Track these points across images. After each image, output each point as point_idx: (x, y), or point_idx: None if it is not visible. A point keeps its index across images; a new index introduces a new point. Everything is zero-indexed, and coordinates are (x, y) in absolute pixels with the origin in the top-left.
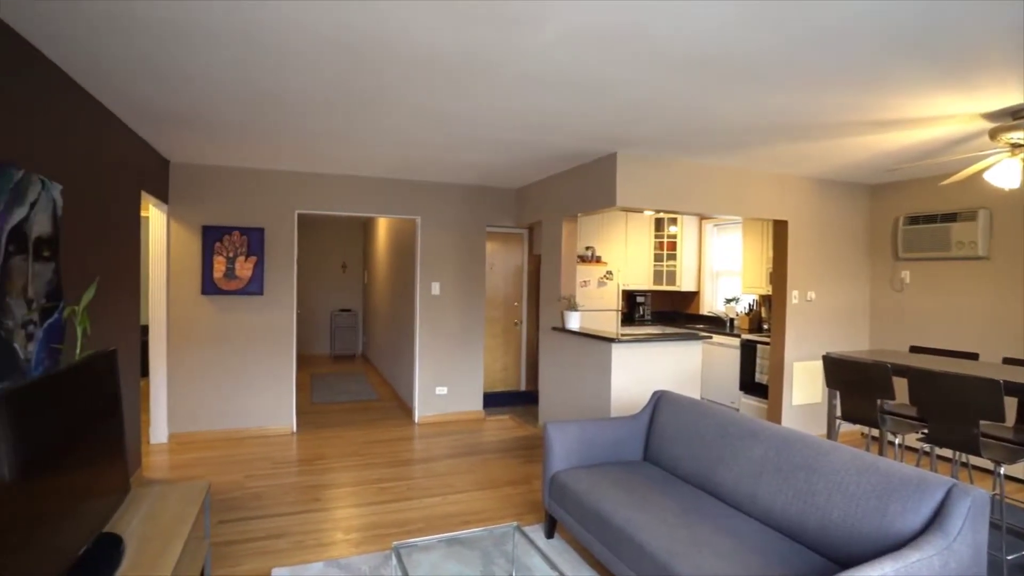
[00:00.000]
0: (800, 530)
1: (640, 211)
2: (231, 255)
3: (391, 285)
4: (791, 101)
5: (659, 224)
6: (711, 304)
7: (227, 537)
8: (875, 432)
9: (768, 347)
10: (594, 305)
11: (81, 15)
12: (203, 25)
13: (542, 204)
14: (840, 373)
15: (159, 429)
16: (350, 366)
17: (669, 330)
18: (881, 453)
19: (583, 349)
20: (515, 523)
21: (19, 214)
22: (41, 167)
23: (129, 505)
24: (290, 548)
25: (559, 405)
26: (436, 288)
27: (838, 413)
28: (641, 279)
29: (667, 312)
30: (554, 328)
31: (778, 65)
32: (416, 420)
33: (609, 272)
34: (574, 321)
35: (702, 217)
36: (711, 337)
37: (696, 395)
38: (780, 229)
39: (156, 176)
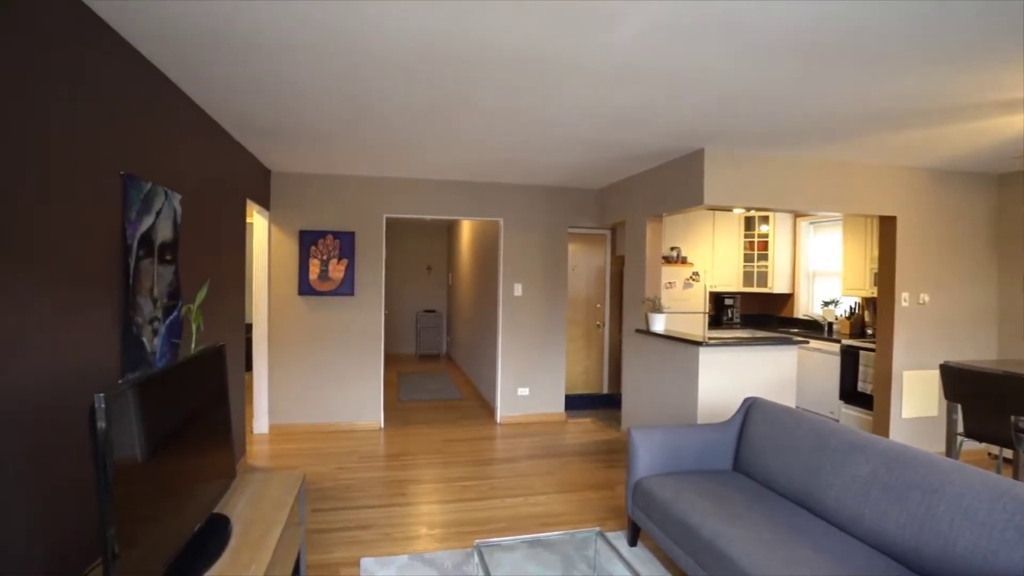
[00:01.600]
0: (916, 557)
1: (729, 209)
2: (325, 258)
3: (474, 286)
4: (908, 84)
5: (749, 223)
6: (807, 307)
7: (320, 525)
8: (1008, 453)
9: (873, 354)
10: (679, 307)
11: (196, 38)
12: (303, 42)
13: (625, 204)
14: (963, 385)
15: (261, 420)
16: (434, 365)
17: (760, 334)
18: (1016, 477)
19: (668, 352)
20: (597, 528)
21: (147, 222)
22: (163, 179)
23: (235, 490)
24: (378, 539)
25: (643, 409)
26: (519, 289)
27: (960, 429)
28: (729, 280)
29: (758, 315)
30: (638, 331)
31: (896, 45)
32: (498, 420)
33: (696, 273)
34: (659, 323)
35: (797, 215)
36: (807, 342)
37: (791, 403)
38: (887, 226)
39: (259, 185)
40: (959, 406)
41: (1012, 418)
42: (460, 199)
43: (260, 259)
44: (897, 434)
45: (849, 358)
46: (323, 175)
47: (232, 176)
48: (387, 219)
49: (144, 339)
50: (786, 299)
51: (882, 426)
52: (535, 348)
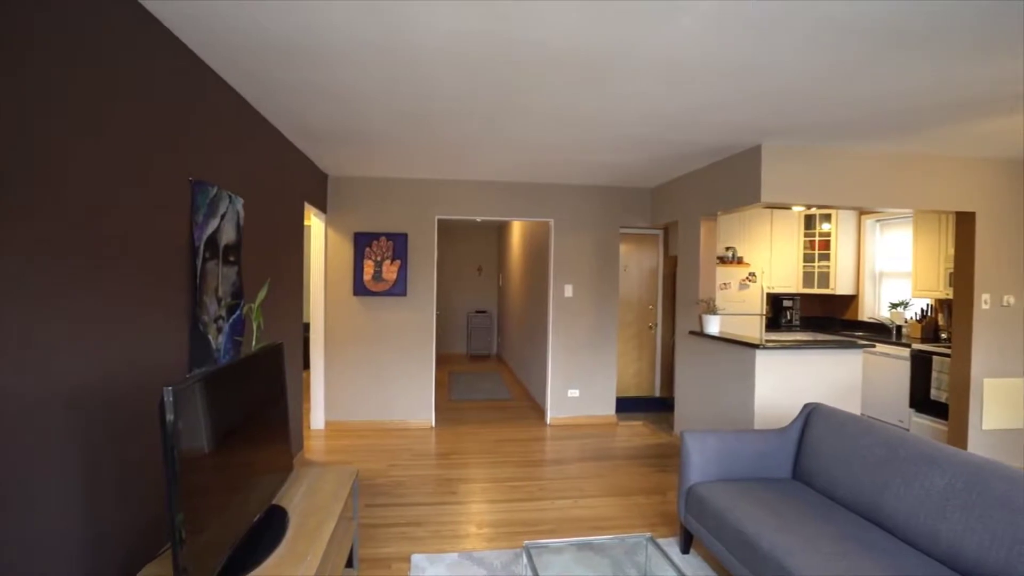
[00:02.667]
0: None
1: (788, 207)
2: (378, 259)
3: (525, 287)
4: (997, 68)
5: (809, 221)
6: (872, 309)
7: (373, 520)
8: None
9: (948, 360)
10: (735, 309)
11: (261, 49)
12: (358, 49)
13: (678, 203)
14: None
15: (318, 416)
16: (485, 365)
17: (821, 337)
18: None
19: (724, 355)
20: (648, 534)
21: (212, 225)
22: (227, 183)
23: (292, 483)
24: (428, 536)
25: (696, 414)
26: (569, 290)
27: None
28: (788, 281)
29: (818, 318)
30: (691, 332)
31: (990, 26)
32: (548, 421)
33: (752, 274)
34: (713, 325)
35: (861, 212)
36: (872, 346)
37: (856, 410)
38: (965, 222)
39: (317, 189)
40: None
41: None
42: (510, 200)
43: (317, 260)
44: (976, 447)
45: (920, 364)
46: (377, 178)
47: (290, 180)
48: (439, 221)
49: (210, 337)
50: (849, 301)
51: (959, 437)
52: (585, 349)
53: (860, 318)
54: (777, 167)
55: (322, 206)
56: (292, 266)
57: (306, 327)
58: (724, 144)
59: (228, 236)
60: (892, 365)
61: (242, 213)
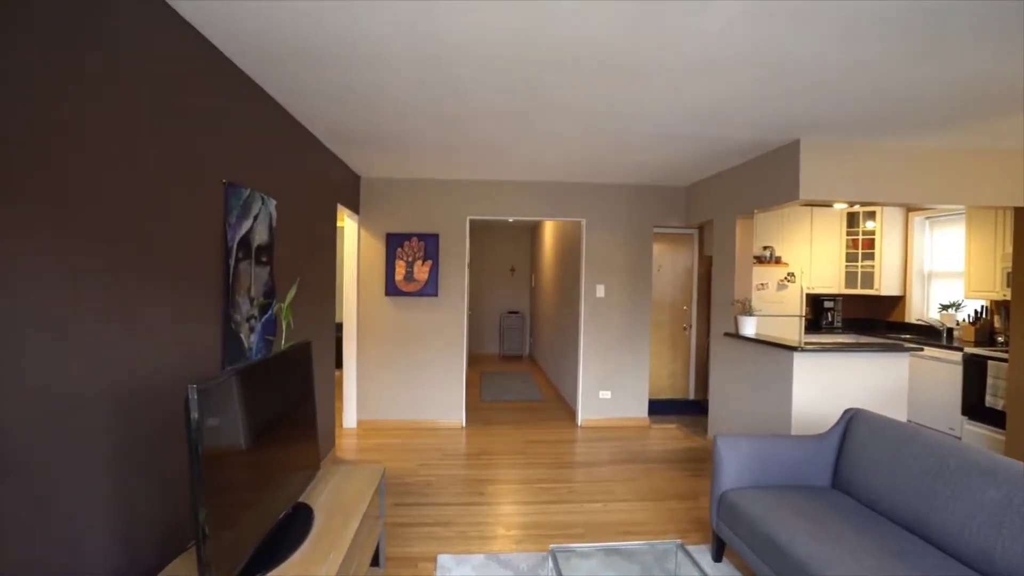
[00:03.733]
0: None
1: (828, 205)
2: (410, 259)
3: (557, 288)
4: None
5: (852, 219)
6: (920, 311)
7: (400, 519)
8: None
9: (1005, 364)
10: (773, 310)
11: (291, 50)
12: (389, 53)
13: (713, 202)
14: None
15: (350, 415)
16: (517, 366)
17: (865, 339)
18: None
19: (760, 358)
20: (679, 540)
21: (245, 226)
22: (260, 185)
23: (319, 481)
24: (455, 537)
25: (732, 417)
26: (601, 290)
27: None
28: (829, 282)
29: (862, 319)
30: (726, 334)
31: None
32: (579, 423)
33: (791, 274)
34: (749, 327)
35: (909, 209)
36: (920, 349)
37: (902, 417)
38: (1023, 218)
39: (349, 190)
40: None
41: None
42: (542, 200)
43: (350, 261)
44: None
45: (974, 368)
46: (409, 179)
47: (323, 182)
48: (470, 221)
49: (242, 335)
50: (895, 302)
51: (1018, 448)
52: (617, 350)
53: (907, 320)
54: (816, 163)
55: (355, 207)
56: (324, 266)
57: (339, 327)
58: (760, 140)
59: (260, 237)
60: (942, 369)
61: (275, 215)
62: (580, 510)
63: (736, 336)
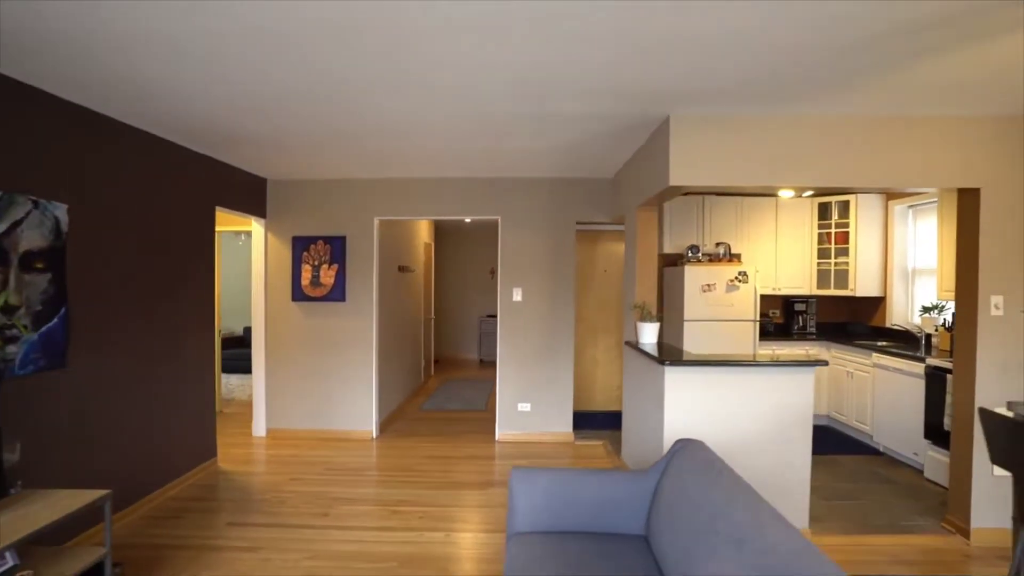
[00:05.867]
0: None
1: (772, 194)
2: (316, 263)
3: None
4: None
5: (824, 210)
6: (904, 313)
7: (207, 541)
8: None
9: None
10: (724, 314)
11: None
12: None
13: (621, 193)
14: (1004, 441)
15: (259, 424)
16: (490, 373)
17: (836, 347)
18: None
19: (644, 371)
20: None
21: None
22: (34, 189)
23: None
24: (252, 566)
25: (633, 439)
26: (518, 294)
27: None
28: (799, 281)
29: (839, 323)
30: (627, 343)
31: None
32: (496, 437)
33: (742, 273)
34: (649, 335)
35: (889, 196)
36: (824, 363)
37: (806, 445)
38: (967, 202)
39: (247, 193)
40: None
41: None
42: (456, 197)
43: (258, 266)
44: (981, 497)
45: (937, 384)
46: (315, 180)
47: (186, 187)
48: (383, 222)
49: None
50: (877, 304)
51: (962, 483)
52: (537, 359)
53: (888, 323)
54: (689, 142)
55: (260, 211)
56: (198, 271)
57: (248, 332)
58: (631, 117)
59: (31, 243)
60: (906, 384)
61: (64, 219)
62: (415, 539)
63: (635, 346)
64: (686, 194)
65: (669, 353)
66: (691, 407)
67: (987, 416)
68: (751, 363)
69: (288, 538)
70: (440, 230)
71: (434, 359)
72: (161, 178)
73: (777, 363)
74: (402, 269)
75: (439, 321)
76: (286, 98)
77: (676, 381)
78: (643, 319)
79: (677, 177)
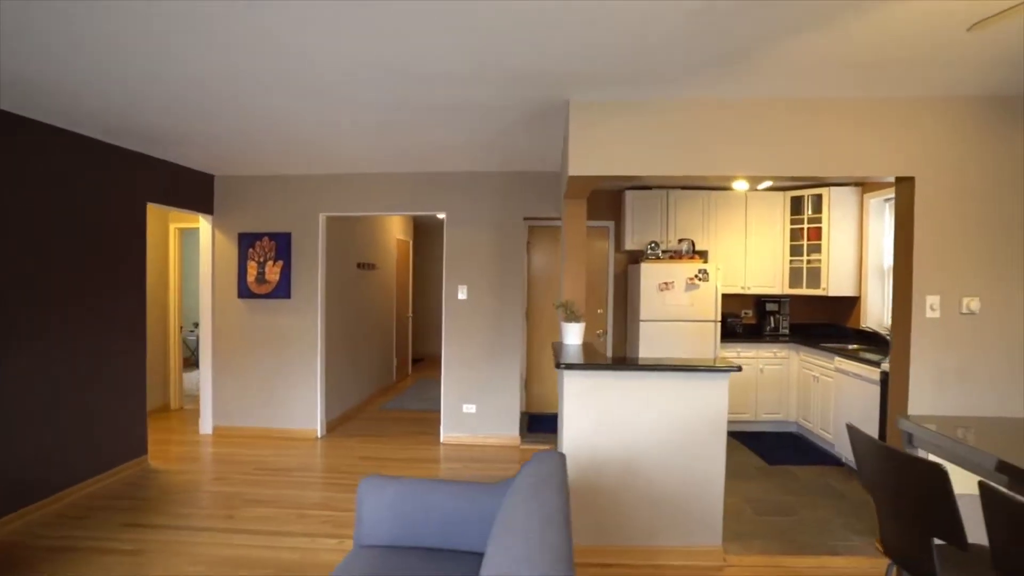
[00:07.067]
0: None
1: (727, 187)
2: (262, 260)
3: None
4: None
5: (796, 204)
6: (880, 315)
7: (102, 543)
8: None
9: None
10: (682, 315)
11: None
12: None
13: (559, 185)
14: (870, 465)
15: (206, 421)
16: None
17: (804, 350)
18: None
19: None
20: None
21: None
22: None
23: None
24: (129, 568)
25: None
26: (464, 292)
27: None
28: (770, 280)
29: (815, 325)
30: (554, 345)
31: None
32: (441, 440)
33: (702, 271)
34: (573, 336)
35: (864, 188)
36: (738, 369)
37: (719, 455)
38: (903, 192)
39: (190, 190)
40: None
41: (932, 540)
42: (402, 193)
43: (205, 263)
44: None
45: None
46: (262, 176)
47: (113, 184)
48: (328, 218)
49: None
50: (853, 304)
51: None
52: (484, 360)
53: (862, 325)
54: (591, 128)
55: (207, 208)
56: (127, 267)
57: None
58: (535, 104)
59: None
60: (863, 391)
61: None
62: (305, 546)
63: (561, 347)
64: (649, 187)
65: (568, 356)
66: (595, 415)
67: (854, 434)
68: (660, 368)
69: (180, 541)
70: (420, 227)
71: (413, 358)
72: (76, 175)
73: (689, 368)
74: (364, 266)
75: (423, 319)
76: (184, 98)
77: (577, 387)
78: (568, 319)
79: (578, 167)
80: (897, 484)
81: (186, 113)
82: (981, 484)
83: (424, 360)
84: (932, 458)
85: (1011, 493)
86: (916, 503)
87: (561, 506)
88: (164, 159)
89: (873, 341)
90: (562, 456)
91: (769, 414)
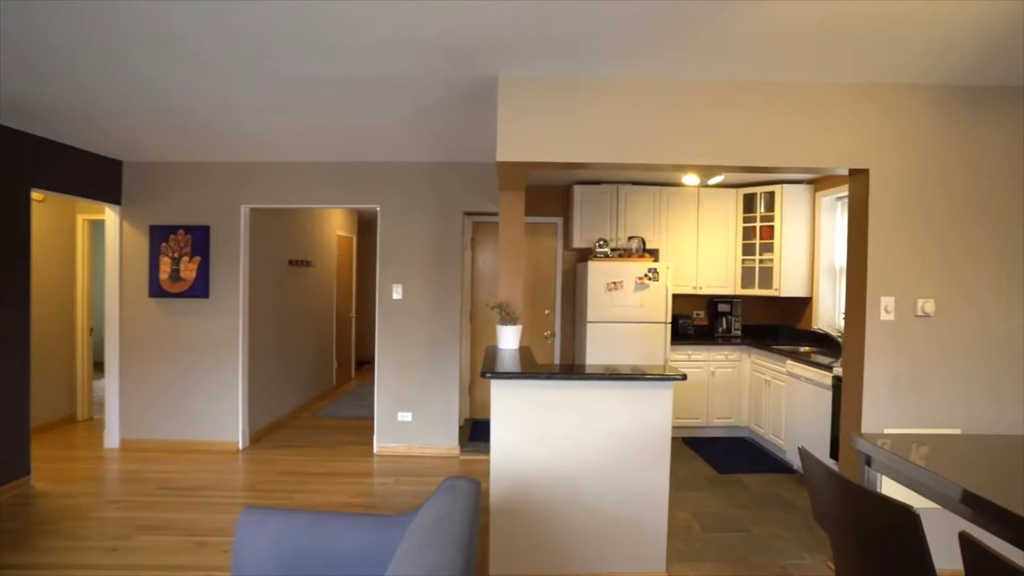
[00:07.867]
0: None
1: (681, 177)
2: (176, 255)
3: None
4: None
5: (749, 202)
6: (832, 316)
7: None
8: None
9: None
10: (631, 316)
11: None
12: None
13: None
14: (826, 498)
15: (112, 434)
16: None
17: (756, 353)
18: None
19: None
20: None
21: None
22: None
23: None
24: None
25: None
26: (398, 291)
27: None
28: (722, 280)
29: (768, 326)
30: (488, 348)
31: None
32: (375, 451)
33: (652, 270)
34: (510, 339)
35: (816, 187)
36: (683, 377)
37: (662, 472)
38: (857, 186)
39: (93, 178)
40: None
41: None
42: (333, 184)
43: (111, 258)
44: None
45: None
46: (178, 163)
47: None
48: (251, 210)
49: None
50: (806, 305)
51: None
52: (419, 364)
53: (814, 326)
54: (521, 109)
55: (113, 197)
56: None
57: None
58: (462, 80)
59: None
60: (816, 397)
61: None
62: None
63: (496, 351)
64: (598, 182)
65: (500, 362)
66: (526, 428)
67: (807, 459)
68: (597, 376)
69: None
70: (365, 223)
71: (357, 360)
72: None
73: (629, 377)
74: (297, 263)
75: (368, 320)
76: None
77: (505, 397)
78: (504, 321)
79: (507, 151)
80: (858, 522)
81: (67, 83)
82: (962, 537)
83: (368, 363)
84: (893, 485)
85: (1001, 554)
86: (879, 544)
87: (460, 556)
88: (56, 140)
89: (825, 343)
90: (475, 484)
91: (721, 419)
